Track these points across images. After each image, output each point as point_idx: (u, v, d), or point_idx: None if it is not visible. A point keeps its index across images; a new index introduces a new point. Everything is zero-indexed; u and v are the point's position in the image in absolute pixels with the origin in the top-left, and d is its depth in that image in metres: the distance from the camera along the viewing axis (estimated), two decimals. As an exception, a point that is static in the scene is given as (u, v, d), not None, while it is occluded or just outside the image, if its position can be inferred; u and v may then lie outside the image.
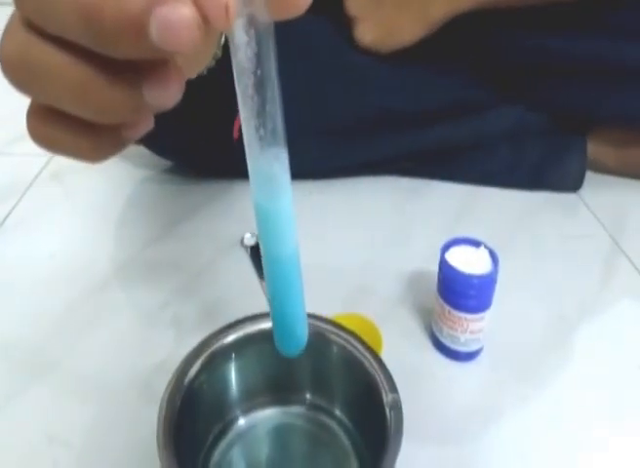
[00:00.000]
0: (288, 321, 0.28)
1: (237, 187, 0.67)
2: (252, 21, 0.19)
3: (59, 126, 0.22)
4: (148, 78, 0.20)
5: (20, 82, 0.21)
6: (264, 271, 0.27)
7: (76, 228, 0.62)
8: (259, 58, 0.20)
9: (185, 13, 0.17)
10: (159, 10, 0.17)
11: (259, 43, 0.19)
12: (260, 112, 0.21)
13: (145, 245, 0.59)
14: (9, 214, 0.62)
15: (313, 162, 0.66)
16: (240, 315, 0.39)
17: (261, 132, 0.21)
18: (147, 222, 0.62)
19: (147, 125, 0.23)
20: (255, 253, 0.57)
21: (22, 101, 0.22)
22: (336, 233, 0.62)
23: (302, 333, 0.28)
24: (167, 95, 0.21)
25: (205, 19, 0.18)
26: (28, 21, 0.20)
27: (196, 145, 0.65)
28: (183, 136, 0.63)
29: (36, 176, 0.68)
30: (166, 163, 0.70)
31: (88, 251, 0.59)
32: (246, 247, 0.58)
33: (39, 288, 0.54)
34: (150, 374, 0.46)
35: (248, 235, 0.59)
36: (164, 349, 0.48)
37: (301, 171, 0.67)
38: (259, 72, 0.20)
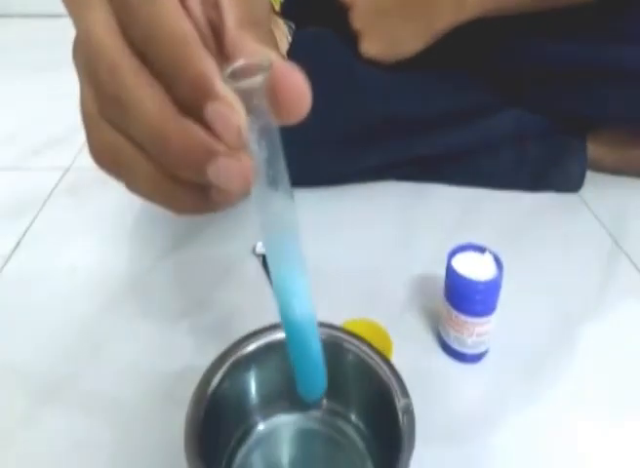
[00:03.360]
0: (307, 372, 0.31)
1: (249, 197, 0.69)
2: (262, 133, 0.22)
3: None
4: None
5: (110, 173, 0.24)
6: (284, 330, 0.29)
7: (94, 241, 0.64)
8: (269, 162, 0.23)
9: (242, 166, 0.20)
10: (220, 160, 0.20)
11: (269, 149, 0.22)
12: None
13: (160, 256, 0.61)
14: (28, 228, 0.64)
15: (319, 169, 0.68)
16: (255, 322, 0.41)
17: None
18: (162, 233, 0.64)
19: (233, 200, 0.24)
20: (267, 261, 0.59)
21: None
22: (342, 239, 0.64)
23: (321, 381, 0.31)
24: (231, 199, 0.23)
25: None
26: (111, 122, 0.22)
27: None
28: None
29: (52, 191, 0.70)
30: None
31: (106, 263, 0.61)
32: (258, 255, 0.60)
33: (59, 301, 0.56)
34: (173, 383, 0.48)
35: (260, 243, 0.60)
36: (184, 357, 0.50)
37: (307, 178, 0.70)
38: (270, 173, 0.23)
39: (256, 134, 0.22)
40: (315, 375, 0.31)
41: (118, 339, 0.52)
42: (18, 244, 0.62)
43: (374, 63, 0.65)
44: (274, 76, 0.21)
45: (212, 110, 0.20)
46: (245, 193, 0.22)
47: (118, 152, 0.22)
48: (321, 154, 0.66)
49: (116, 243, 0.64)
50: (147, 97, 0.20)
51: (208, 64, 0.20)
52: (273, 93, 0.21)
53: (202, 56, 0.20)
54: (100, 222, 0.66)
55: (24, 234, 0.64)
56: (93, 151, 0.23)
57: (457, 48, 0.65)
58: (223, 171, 0.20)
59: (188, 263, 0.60)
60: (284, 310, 0.28)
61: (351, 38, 0.64)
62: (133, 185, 0.23)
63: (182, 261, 0.61)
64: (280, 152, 0.23)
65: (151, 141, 0.21)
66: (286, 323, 0.28)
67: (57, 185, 0.71)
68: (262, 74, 0.21)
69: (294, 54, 0.60)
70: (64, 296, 0.57)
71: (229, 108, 0.20)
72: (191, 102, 0.20)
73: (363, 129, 0.67)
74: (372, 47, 0.63)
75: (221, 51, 0.22)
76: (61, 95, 0.86)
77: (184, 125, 0.20)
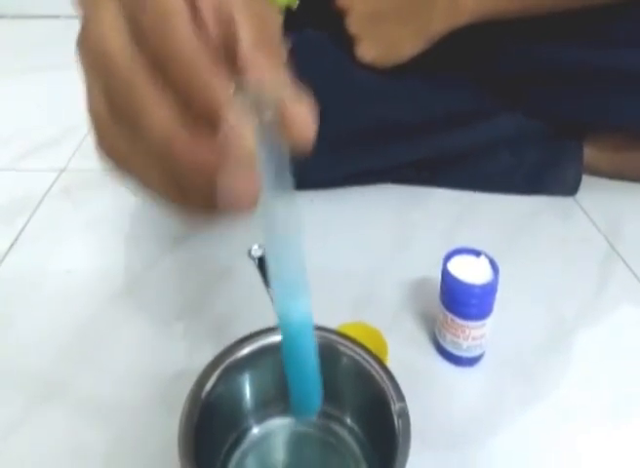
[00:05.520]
0: (303, 385, 0.31)
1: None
2: (271, 150, 0.22)
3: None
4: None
5: (120, 173, 0.23)
6: (282, 346, 0.29)
7: (89, 243, 0.64)
8: (277, 176, 0.23)
9: (250, 183, 0.21)
10: (228, 177, 0.20)
11: (277, 165, 0.23)
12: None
13: (155, 258, 0.61)
14: (22, 229, 0.64)
15: (316, 172, 0.68)
16: (250, 325, 0.40)
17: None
18: (157, 235, 0.64)
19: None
20: (262, 264, 0.59)
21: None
22: (339, 242, 0.64)
23: (316, 398, 0.31)
24: (238, 211, 0.22)
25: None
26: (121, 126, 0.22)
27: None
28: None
29: (47, 191, 0.70)
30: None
31: (101, 265, 0.61)
32: (253, 258, 0.60)
33: (54, 303, 0.56)
34: (168, 386, 0.47)
35: (255, 246, 0.60)
36: (179, 360, 0.50)
37: (305, 181, 0.70)
38: (277, 185, 0.23)
39: (265, 151, 0.22)
40: (310, 390, 0.30)
41: (113, 341, 0.52)
42: (12, 245, 0.62)
43: (370, 68, 0.64)
44: (282, 108, 0.21)
45: (223, 134, 0.20)
46: (252, 208, 0.21)
47: (128, 155, 0.22)
48: (319, 158, 0.65)
49: (111, 245, 0.63)
50: (159, 111, 0.20)
51: (219, 86, 0.20)
52: (281, 124, 0.22)
53: (214, 76, 0.20)
54: (94, 224, 0.66)
55: (19, 235, 0.63)
56: (102, 152, 0.23)
57: (454, 52, 0.65)
58: (231, 187, 0.20)
59: (183, 266, 0.60)
60: (284, 318, 0.28)
61: (348, 43, 0.64)
62: (143, 185, 0.23)
63: (177, 264, 0.60)
64: (287, 167, 0.23)
65: (160, 152, 0.21)
66: (284, 330, 0.28)
67: (51, 187, 0.70)
68: (274, 95, 0.21)
69: (289, 59, 0.60)
70: (59, 298, 0.56)
71: (240, 133, 0.20)
72: (202, 118, 0.20)
73: (360, 133, 0.67)
74: (368, 51, 0.63)
75: (233, 65, 0.22)
76: (57, 96, 0.86)
77: (195, 139, 0.20)
